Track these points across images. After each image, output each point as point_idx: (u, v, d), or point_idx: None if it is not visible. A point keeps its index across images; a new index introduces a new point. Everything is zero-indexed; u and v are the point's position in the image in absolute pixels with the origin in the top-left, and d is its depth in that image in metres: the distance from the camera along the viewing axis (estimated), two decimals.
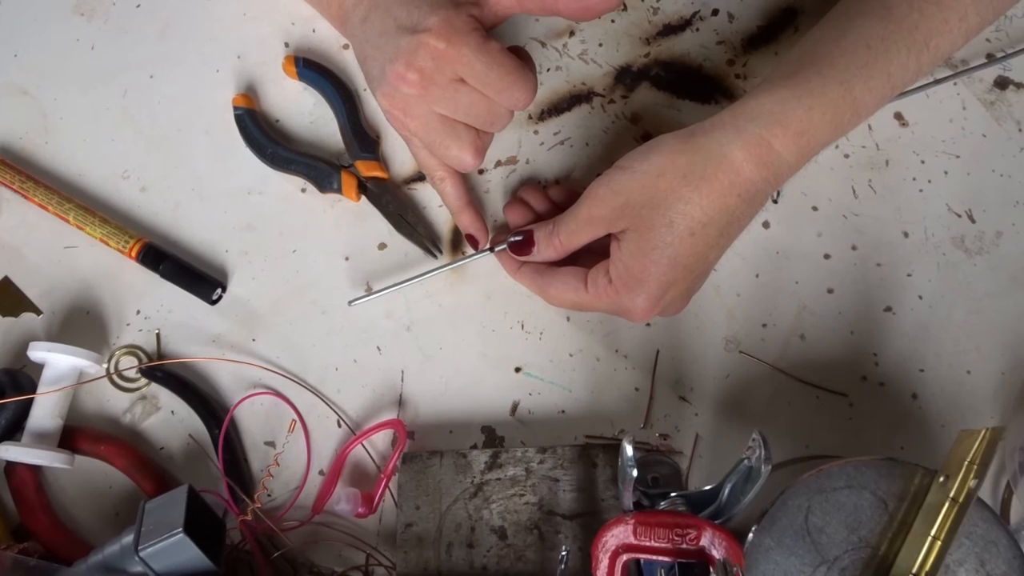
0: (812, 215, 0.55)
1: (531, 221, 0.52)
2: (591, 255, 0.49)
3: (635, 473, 0.42)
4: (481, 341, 0.54)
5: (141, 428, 0.53)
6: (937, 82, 0.56)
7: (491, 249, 0.52)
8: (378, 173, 0.56)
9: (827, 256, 0.54)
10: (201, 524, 0.44)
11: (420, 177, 0.57)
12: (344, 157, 0.57)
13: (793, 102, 0.44)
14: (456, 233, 0.56)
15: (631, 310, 0.47)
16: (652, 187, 0.44)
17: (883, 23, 0.46)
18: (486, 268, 0.55)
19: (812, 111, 0.44)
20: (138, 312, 0.55)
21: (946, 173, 0.56)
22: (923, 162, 0.56)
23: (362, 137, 0.56)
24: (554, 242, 0.49)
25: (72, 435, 0.52)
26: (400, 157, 0.58)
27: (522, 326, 0.54)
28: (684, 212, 0.44)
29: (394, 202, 0.56)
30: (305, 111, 0.59)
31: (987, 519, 0.43)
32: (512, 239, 0.51)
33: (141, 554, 0.43)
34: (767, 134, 0.44)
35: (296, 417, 0.52)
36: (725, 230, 0.45)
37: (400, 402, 0.53)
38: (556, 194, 0.53)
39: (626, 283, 0.46)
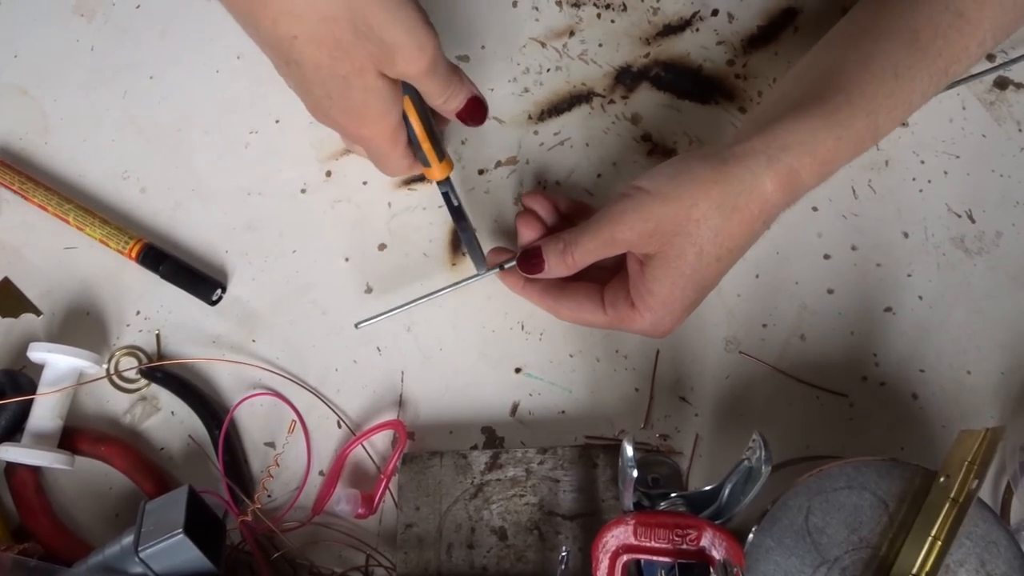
0: (812, 215, 0.55)
1: (542, 235, 0.51)
2: (597, 267, 0.49)
3: (635, 473, 0.42)
4: (481, 341, 0.54)
5: (141, 429, 0.53)
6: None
7: (500, 267, 0.51)
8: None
9: (827, 256, 0.54)
10: (201, 525, 0.44)
11: (420, 178, 0.57)
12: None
13: (823, 132, 0.44)
14: (455, 235, 0.56)
15: (653, 332, 0.47)
16: (685, 216, 0.44)
17: (909, 50, 0.46)
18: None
19: (840, 141, 0.44)
20: (138, 313, 0.55)
21: (946, 173, 0.56)
22: (923, 162, 0.56)
23: None
24: (567, 260, 0.48)
25: (72, 436, 0.52)
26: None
27: (522, 326, 0.54)
28: (714, 241, 0.44)
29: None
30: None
31: (987, 519, 0.43)
32: (521, 257, 0.50)
33: (141, 555, 0.43)
34: (797, 164, 0.44)
35: (296, 418, 0.52)
36: (744, 251, 0.46)
37: (400, 403, 0.53)
38: (561, 204, 0.53)
39: (650, 307, 0.46)
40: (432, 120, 0.49)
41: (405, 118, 0.48)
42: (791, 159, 0.44)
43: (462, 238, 0.52)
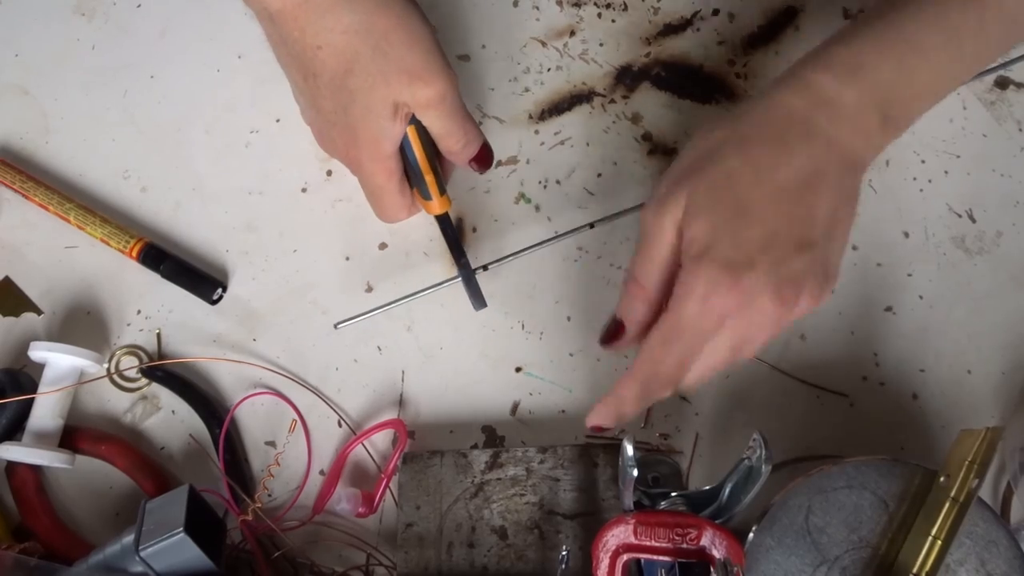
0: None
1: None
2: None
3: (635, 473, 0.42)
4: (481, 341, 0.54)
5: (142, 428, 0.53)
6: None
7: (484, 267, 0.49)
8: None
9: None
10: (202, 524, 0.44)
11: None
12: None
13: (834, 43, 0.43)
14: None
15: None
16: (703, 143, 0.42)
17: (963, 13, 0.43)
18: (489, 266, 0.55)
19: (851, 47, 0.42)
20: (139, 312, 0.55)
21: (946, 173, 0.56)
22: (923, 162, 0.56)
23: None
24: (632, 290, 0.42)
25: (73, 435, 0.52)
26: None
27: (522, 326, 0.54)
28: (743, 157, 0.40)
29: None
30: None
31: (987, 519, 0.43)
32: (604, 333, 0.46)
33: (142, 554, 0.43)
34: (810, 73, 0.42)
35: (296, 417, 0.52)
36: (792, 171, 0.40)
37: (400, 402, 0.53)
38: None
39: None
40: (434, 153, 0.49)
41: (407, 150, 0.48)
42: (806, 71, 0.42)
43: (460, 274, 0.52)
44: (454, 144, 0.48)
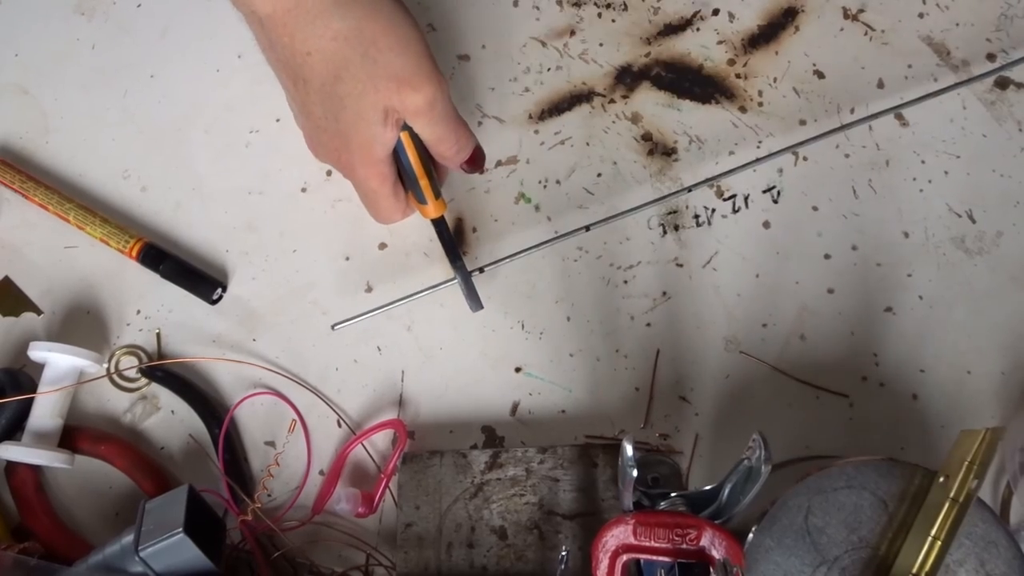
0: (812, 215, 0.55)
1: None
2: None
3: (635, 473, 0.42)
4: (481, 341, 0.54)
5: (141, 428, 0.53)
6: (943, 91, 0.56)
7: (480, 270, 0.51)
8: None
9: (827, 256, 0.54)
10: (201, 524, 0.44)
11: None
12: None
13: None
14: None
15: None
16: None
17: None
18: (485, 269, 0.55)
19: None
20: (138, 312, 0.55)
21: (946, 173, 0.56)
22: (923, 162, 0.56)
23: None
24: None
25: (72, 435, 0.52)
26: None
27: (522, 326, 0.54)
28: None
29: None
30: None
31: (987, 519, 0.43)
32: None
33: (141, 554, 0.43)
34: None
35: (296, 417, 0.52)
36: None
37: (400, 402, 0.53)
38: None
39: None
40: (428, 157, 0.49)
41: (401, 155, 0.48)
42: None
43: (457, 276, 0.52)
44: (447, 150, 0.48)
